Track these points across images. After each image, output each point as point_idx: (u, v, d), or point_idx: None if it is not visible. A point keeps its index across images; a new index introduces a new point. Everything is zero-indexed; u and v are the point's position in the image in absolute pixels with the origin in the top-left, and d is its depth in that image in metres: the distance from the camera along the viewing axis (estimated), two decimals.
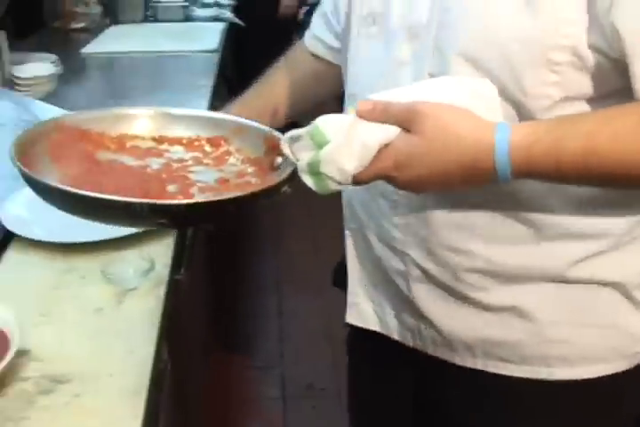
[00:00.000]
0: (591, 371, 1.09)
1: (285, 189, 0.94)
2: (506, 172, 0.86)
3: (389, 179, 0.90)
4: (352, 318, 1.28)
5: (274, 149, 0.99)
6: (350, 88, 1.15)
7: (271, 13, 4.72)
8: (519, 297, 1.06)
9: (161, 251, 1.39)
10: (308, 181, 0.91)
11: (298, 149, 0.92)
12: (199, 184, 0.98)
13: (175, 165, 1.02)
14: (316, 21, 1.37)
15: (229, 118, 1.10)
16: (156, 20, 3.73)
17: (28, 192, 1.49)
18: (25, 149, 0.96)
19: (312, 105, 1.42)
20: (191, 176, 0.99)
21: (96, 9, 3.62)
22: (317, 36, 1.36)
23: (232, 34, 3.74)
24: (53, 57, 2.56)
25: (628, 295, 1.07)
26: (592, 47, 0.88)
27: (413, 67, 1.02)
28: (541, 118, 0.93)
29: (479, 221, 1.03)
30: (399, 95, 0.90)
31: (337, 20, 1.26)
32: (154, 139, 1.07)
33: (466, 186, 0.91)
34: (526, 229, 1.02)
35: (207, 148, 1.06)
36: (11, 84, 2.30)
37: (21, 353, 1.07)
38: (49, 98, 2.34)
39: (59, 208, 0.92)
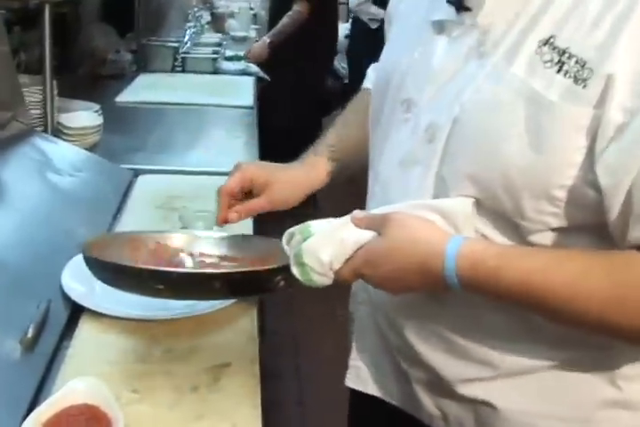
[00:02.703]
0: None
1: (279, 279, 1.08)
2: (453, 280, 0.91)
3: (363, 276, 0.98)
4: (351, 381, 1.25)
5: None
6: (375, 166, 1.15)
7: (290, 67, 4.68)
8: (491, 392, 1.06)
9: (246, 325, 1.35)
10: (295, 271, 1.00)
11: (293, 243, 1.01)
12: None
13: (209, 261, 1.25)
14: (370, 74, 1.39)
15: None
16: (184, 71, 3.74)
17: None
18: (103, 246, 1.18)
19: None
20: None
21: (126, 56, 3.62)
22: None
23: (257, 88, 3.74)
24: (96, 106, 2.52)
25: None
26: (591, 185, 0.90)
27: (422, 167, 1.03)
28: (535, 240, 0.96)
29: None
30: (390, 209, 1.00)
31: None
32: (218, 256, 1.27)
33: (427, 288, 0.98)
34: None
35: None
36: (57, 132, 2.25)
37: None
38: (93, 148, 2.32)
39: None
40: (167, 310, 1.34)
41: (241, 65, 3.86)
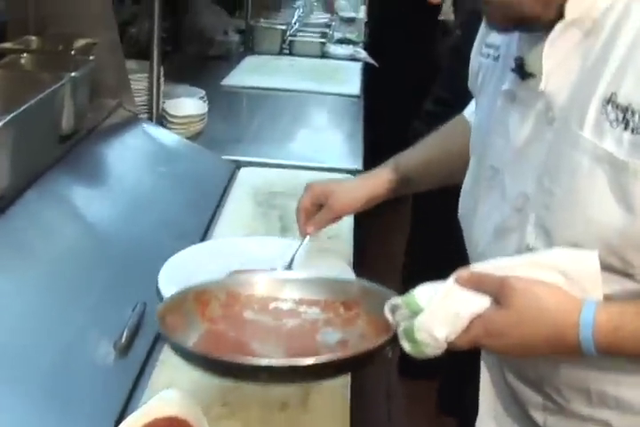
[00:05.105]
0: None
1: (387, 351, 1.00)
2: (590, 349, 0.90)
3: (482, 346, 0.97)
4: None
5: None
6: (468, 228, 1.17)
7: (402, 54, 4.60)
8: None
9: None
10: (406, 346, 0.96)
11: (398, 316, 0.98)
12: (320, 345, 1.11)
13: (307, 326, 1.15)
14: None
15: (359, 283, 1.21)
16: (291, 54, 3.72)
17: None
18: (175, 308, 1.10)
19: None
20: (317, 337, 1.12)
21: (234, 37, 3.62)
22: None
23: (366, 74, 3.68)
24: (201, 92, 2.51)
25: None
26: None
27: (517, 235, 1.03)
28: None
29: (606, 363, 1.01)
30: (499, 267, 0.96)
31: None
32: (294, 301, 1.19)
33: (555, 355, 0.98)
34: None
35: (341, 310, 1.17)
36: (162, 119, 2.26)
37: None
38: (196, 137, 2.31)
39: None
40: None
41: (349, 50, 3.81)
